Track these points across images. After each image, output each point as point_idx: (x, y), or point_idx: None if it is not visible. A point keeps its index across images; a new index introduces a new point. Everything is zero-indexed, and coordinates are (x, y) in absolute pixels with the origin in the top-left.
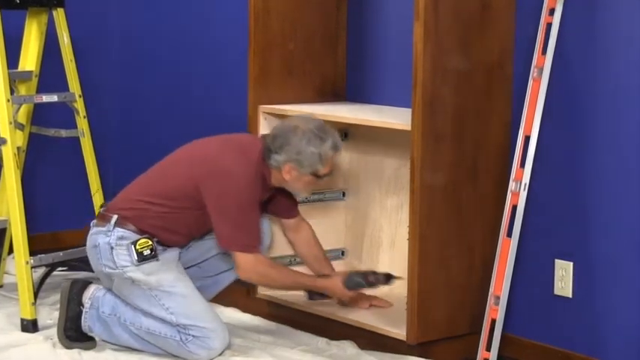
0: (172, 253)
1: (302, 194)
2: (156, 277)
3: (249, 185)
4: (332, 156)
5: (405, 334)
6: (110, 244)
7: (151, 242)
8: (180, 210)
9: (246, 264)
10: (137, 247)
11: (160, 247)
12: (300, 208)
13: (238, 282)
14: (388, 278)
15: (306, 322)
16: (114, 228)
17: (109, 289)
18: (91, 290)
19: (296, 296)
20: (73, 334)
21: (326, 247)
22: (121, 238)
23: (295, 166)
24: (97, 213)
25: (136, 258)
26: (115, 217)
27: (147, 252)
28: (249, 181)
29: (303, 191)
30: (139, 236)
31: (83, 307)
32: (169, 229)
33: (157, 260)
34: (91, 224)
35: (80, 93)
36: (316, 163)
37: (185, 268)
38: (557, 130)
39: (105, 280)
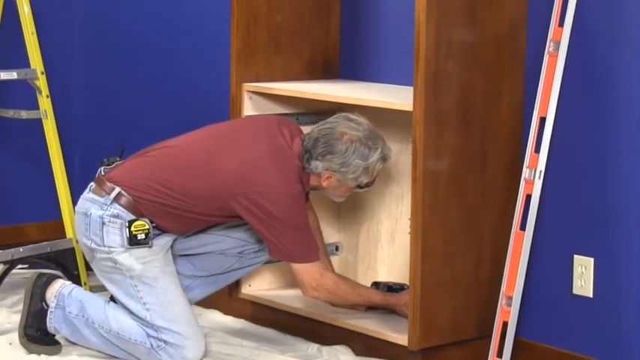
0: (165, 240)
1: (337, 199)
2: (142, 265)
3: (295, 201)
4: (380, 168)
5: (406, 338)
6: (103, 218)
7: (147, 226)
8: (198, 212)
9: (311, 281)
10: (132, 228)
11: (154, 232)
12: None
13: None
14: None
15: (296, 326)
16: (111, 203)
17: (76, 285)
18: (57, 287)
19: (284, 296)
20: (34, 333)
21: None
22: (116, 216)
23: (337, 176)
24: (98, 171)
25: (128, 240)
26: (117, 190)
27: (141, 236)
28: (294, 197)
29: (340, 197)
30: (134, 217)
31: (47, 305)
32: (174, 220)
33: (150, 247)
34: (89, 187)
35: (42, 70)
36: (360, 176)
37: (177, 256)
38: (576, 111)
39: (87, 254)
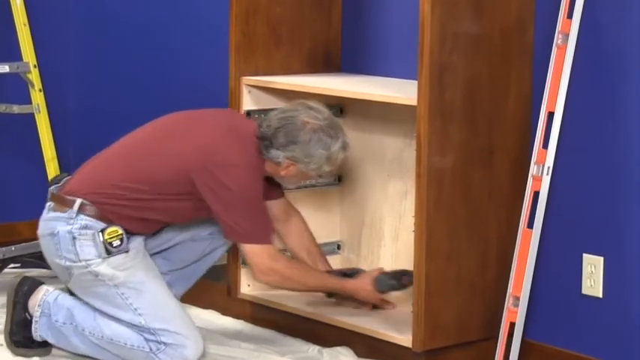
0: (138, 241)
1: (290, 186)
2: (124, 271)
3: (253, 175)
4: (342, 158)
5: (410, 339)
6: (72, 233)
7: (120, 231)
8: (165, 200)
9: (262, 264)
10: (105, 236)
11: (125, 235)
12: (290, 195)
13: (209, 275)
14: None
15: (296, 327)
16: (77, 215)
17: (61, 292)
18: (40, 295)
19: (285, 296)
20: (20, 339)
21: (319, 239)
22: (85, 227)
23: (300, 166)
24: (50, 190)
25: (105, 249)
26: (79, 201)
27: (116, 242)
28: (253, 171)
29: (294, 185)
30: (105, 224)
31: (30, 315)
32: (142, 219)
33: (127, 252)
34: (47, 207)
35: (35, 63)
36: (323, 165)
37: (150, 254)
38: (585, 106)
39: (62, 274)
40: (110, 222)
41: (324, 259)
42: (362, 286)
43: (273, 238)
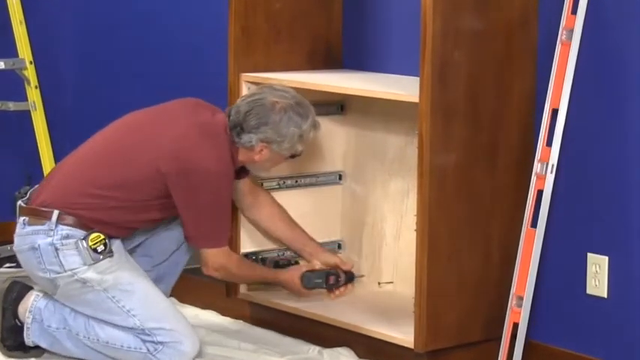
0: (117, 243)
1: (263, 173)
2: (112, 274)
3: (226, 179)
4: (312, 136)
5: (411, 340)
6: (54, 244)
7: (102, 237)
8: (140, 201)
9: (216, 263)
10: (89, 243)
11: (107, 240)
12: (289, 193)
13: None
14: (350, 278)
15: (296, 327)
16: (56, 225)
17: (51, 297)
18: (30, 301)
19: (285, 296)
20: (12, 343)
21: (319, 239)
22: (67, 236)
23: (273, 147)
24: (18, 205)
25: (90, 256)
26: (56, 212)
27: (100, 248)
28: (226, 175)
29: (267, 171)
30: (85, 232)
31: (20, 322)
32: (119, 224)
33: (112, 256)
34: (22, 222)
35: (31, 59)
36: (296, 144)
37: (129, 253)
38: (590, 103)
39: (47, 287)
40: (90, 229)
41: (300, 227)
42: (292, 279)
43: (227, 240)
